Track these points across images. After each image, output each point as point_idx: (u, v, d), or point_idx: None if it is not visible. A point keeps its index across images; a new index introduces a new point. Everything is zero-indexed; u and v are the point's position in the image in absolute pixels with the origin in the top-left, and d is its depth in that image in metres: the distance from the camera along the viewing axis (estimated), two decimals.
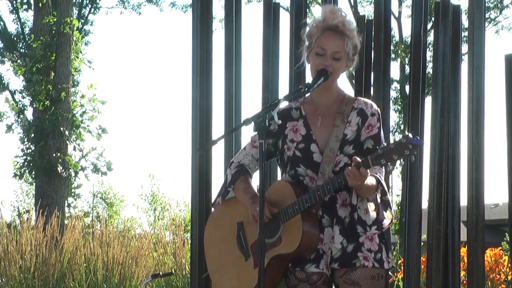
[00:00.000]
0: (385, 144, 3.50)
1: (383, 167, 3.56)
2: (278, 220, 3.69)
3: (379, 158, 3.41)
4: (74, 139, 18.25)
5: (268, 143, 3.84)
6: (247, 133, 4.24)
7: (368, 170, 3.46)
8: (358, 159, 3.46)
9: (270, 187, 3.87)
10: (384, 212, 3.70)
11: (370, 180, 3.56)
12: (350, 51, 3.72)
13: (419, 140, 3.38)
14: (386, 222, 3.70)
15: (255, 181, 3.89)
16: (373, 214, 3.67)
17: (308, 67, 3.81)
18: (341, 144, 3.68)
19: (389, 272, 3.86)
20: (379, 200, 3.67)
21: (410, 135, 3.37)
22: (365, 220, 3.66)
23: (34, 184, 18.79)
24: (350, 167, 3.46)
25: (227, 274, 3.89)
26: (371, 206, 3.67)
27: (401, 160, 3.39)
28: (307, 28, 3.78)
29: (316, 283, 3.70)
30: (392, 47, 9.11)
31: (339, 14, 3.73)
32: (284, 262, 3.72)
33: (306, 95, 3.82)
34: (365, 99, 3.84)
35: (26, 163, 17.86)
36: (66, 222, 11.62)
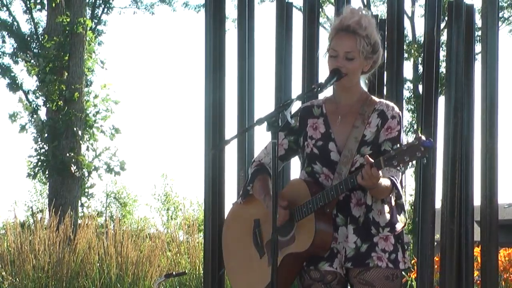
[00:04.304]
0: (398, 145, 3.50)
1: (395, 168, 3.56)
2: (292, 218, 3.70)
3: (391, 159, 3.42)
4: (87, 139, 18.31)
5: (290, 140, 3.86)
6: (260, 133, 4.25)
7: (380, 172, 3.46)
8: (370, 159, 3.46)
9: (286, 186, 3.90)
10: (397, 216, 3.70)
11: (385, 182, 3.56)
12: (365, 49, 3.70)
13: (431, 142, 3.38)
14: (399, 225, 3.71)
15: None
16: (387, 215, 3.67)
17: (321, 67, 3.83)
18: (359, 145, 3.69)
19: (403, 272, 3.84)
20: (393, 203, 3.68)
21: (423, 137, 3.37)
22: (378, 221, 3.67)
23: (48, 184, 18.87)
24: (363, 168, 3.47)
25: (242, 271, 3.92)
26: (386, 208, 3.67)
27: (413, 162, 3.39)
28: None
29: (330, 283, 3.70)
30: (405, 47, 9.08)
31: (356, 13, 3.72)
32: (298, 260, 3.72)
33: (329, 94, 3.83)
34: (387, 102, 3.83)
35: (39, 163, 17.93)
36: (79, 221, 11.66)
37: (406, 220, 3.75)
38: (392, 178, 3.63)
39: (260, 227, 3.85)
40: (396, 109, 3.78)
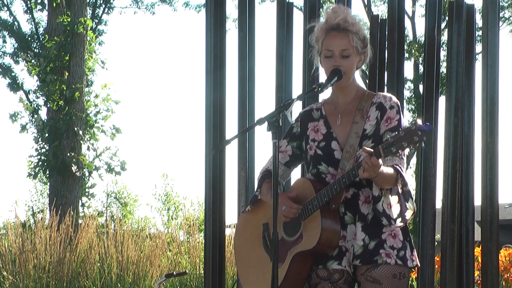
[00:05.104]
0: (396, 132, 3.48)
1: (396, 155, 3.55)
2: (299, 217, 3.70)
3: (389, 146, 3.38)
4: (88, 139, 18.31)
5: (293, 146, 3.90)
6: (261, 133, 4.26)
7: (380, 160, 3.44)
8: (368, 148, 3.45)
9: (291, 186, 3.90)
10: (406, 203, 3.66)
11: (387, 170, 3.54)
12: (358, 45, 3.73)
13: (428, 126, 3.34)
14: (409, 213, 3.66)
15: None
16: (396, 207, 3.63)
17: (322, 70, 3.82)
18: (360, 139, 3.69)
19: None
20: (400, 191, 3.65)
21: (419, 122, 3.34)
22: (389, 214, 3.63)
23: (49, 183, 18.87)
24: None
25: (254, 275, 3.91)
26: (395, 199, 3.63)
27: (411, 147, 3.36)
28: (314, 33, 3.79)
29: (337, 282, 3.69)
30: (405, 46, 9.09)
31: (340, 11, 3.74)
32: (308, 259, 3.71)
33: (327, 96, 3.83)
34: (385, 93, 3.83)
35: (40, 162, 17.95)
36: (80, 221, 11.66)
37: (414, 206, 3.70)
38: (396, 166, 3.61)
39: (268, 231, 3.86)
40: (394, 98, 3.78)
